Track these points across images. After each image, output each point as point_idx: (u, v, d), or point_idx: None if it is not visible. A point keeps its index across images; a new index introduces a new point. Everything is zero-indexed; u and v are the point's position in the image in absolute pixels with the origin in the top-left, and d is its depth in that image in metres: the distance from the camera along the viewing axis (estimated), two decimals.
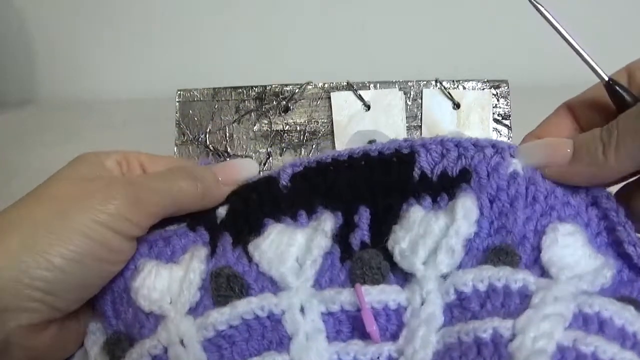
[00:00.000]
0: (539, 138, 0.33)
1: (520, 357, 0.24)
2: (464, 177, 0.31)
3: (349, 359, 0.27)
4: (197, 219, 0.34)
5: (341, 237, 0.32)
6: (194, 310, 0.30)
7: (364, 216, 0.32)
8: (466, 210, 0.30)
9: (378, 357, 0.27)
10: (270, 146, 0.52)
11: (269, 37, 0.84)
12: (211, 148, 0.52)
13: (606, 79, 0.32)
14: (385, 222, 0.32)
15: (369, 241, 0.31)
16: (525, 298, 0.27)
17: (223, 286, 0.30)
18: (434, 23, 0.82)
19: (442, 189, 0.31)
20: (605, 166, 0.28)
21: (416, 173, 0.32)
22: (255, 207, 0.33)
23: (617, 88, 0.31)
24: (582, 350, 0.24)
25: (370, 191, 0.32)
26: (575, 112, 0.34)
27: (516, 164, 0.31)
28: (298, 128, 0.53)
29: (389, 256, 0.30)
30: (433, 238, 0.30)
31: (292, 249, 0.31)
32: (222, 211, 0.34)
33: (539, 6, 0.34)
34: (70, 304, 0.29)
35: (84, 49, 0.87)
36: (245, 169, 0.35)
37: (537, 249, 0.29)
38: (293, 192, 0.34)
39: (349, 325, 0.29)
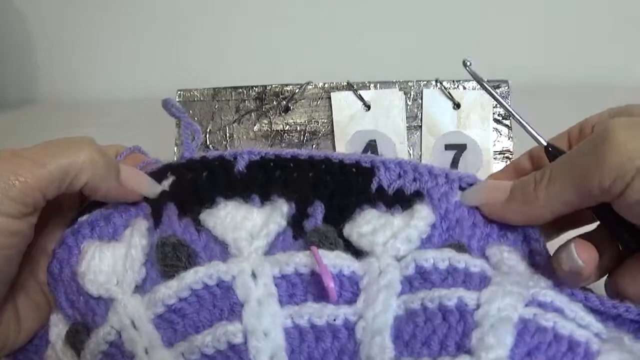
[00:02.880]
0: None
1: (487, 324, 0.24)
2: (418, 197, 0.33)
3: (304, 322, 0.27)
4: None
5: (294, 221, 0.32)
6: (141, 288, 0.29)
7: (318, 209, 0.32)
8: (424, 213, 0.31)
9: (334, 320, 0.27)
10: (271, 146, 0.52)
11: (269, 37, 0.84)
12: (211, 148, 0.52)
13: (545, 144, 0.33)
14: (339, 217, 0.32)
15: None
16: (484, 279, 0.28)
17: (169, 255, 0.29)
18: (434, 23, 0.82)
19: (397, 202, 0.33)
20: (535, 204, 0.30)
21: (374, 185, 0.33)
22: (205, 184, 0.33)
23: (557, 153, 0.32)
24: (543, 323, 0.25)
25: (328, 191, 0.33)
26: (535, 159, 0.36)
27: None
28: (298, 128, 0.53)
29: (343, 239, 0.31)
30: (392, 229, 0.31)
31: (247, 223, 0.31)
32: (164, 183, 0.33)
33: (483, 83, 0.37)
34: None
35: (84, 49, 0.87)
36: (146, 186, 0.33)
37: (484, 258, 0.31)
38: (248, 178, 0.34)
39: (303, 289, 0.28)
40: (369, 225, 0.31)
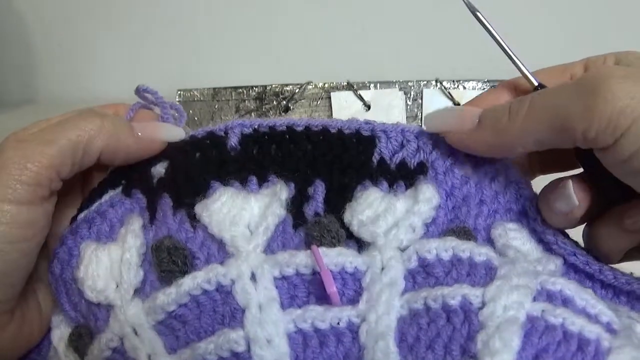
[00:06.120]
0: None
1: (492, 325, 0.24)
2: (422, 169, 0.31)
3: (307, 326, 0.26)
4: (133, 180, 0.32)
5: (294, 206, 0.31)
6: (141, 291, 0.29)
7: (319, 189, 0.31)
8: (428, 194, 0.30)
9: (338, 323, 0.26)
10: None
11: (269, 37, 0.84)
12: None
13: (536, 83, 0.31)
14: (340, 198, 0.31)
15: (322, 213, 0.31)
16: (490, 270, 0.27)
17: (165, 261, 0.28)
18: (434, 23, 0.82)
19: (400, 177, 0.31)
20: (506, 135, 0.27)
21: (375, 158, 0.32)
22: (199, 167, 0.31)
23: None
24: (551, 321, 0.24)
25: (327, 166, 0.32)
26: (517, 91, 0.33)
27: (467, 169, 0.31)
28: None
29: (344, 228, 0.30)
30: (394, 215, 0.30)
31: (244, 214, 0.30)
32: (160, 169, 0.32)
33: (477, 14, 0.34)
34: (8, 292, 0.27)
35: (84, 49, 0.87)
36: (166, 131, 0.32)
37: (489, 240, 0.30)
38: (243, 155, 0.32)
39: (305, 290, 0.28)
40: (371, 209, 0.30)
